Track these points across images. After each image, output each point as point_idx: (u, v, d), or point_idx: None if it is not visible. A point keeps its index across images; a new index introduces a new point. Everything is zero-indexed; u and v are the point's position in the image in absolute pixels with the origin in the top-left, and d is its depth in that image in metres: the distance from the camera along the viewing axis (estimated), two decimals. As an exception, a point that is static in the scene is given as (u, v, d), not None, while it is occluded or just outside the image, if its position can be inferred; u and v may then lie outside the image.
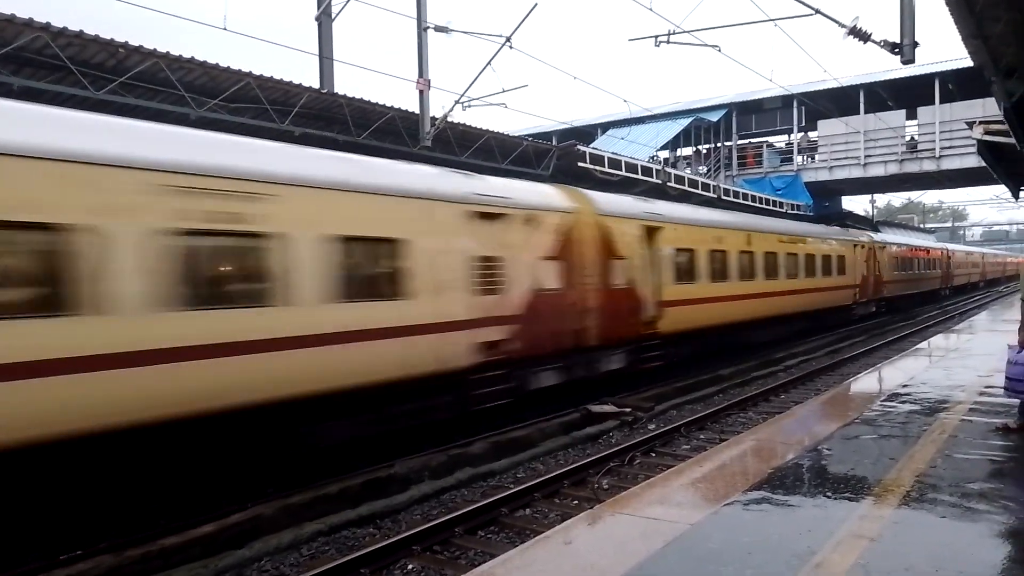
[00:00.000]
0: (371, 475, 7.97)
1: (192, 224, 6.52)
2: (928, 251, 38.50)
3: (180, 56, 10.26)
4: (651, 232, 13.64)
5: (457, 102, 15.39)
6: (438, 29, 14.33)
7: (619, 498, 5.11)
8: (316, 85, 13.52)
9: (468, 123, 15.77)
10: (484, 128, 16.01)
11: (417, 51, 14.59)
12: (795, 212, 28.62)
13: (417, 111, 14.21)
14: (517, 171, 16.16)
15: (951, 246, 49.15)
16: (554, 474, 8.30)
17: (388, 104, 13.82)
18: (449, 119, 14.91)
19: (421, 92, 14.21)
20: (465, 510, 7.07)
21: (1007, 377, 6.31)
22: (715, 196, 24.36)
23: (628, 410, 11.56)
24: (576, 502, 7.59)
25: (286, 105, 12.31)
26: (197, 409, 6.52)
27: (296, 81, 12.04)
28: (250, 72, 11.28)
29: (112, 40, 9.25)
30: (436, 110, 15.02)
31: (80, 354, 5.77)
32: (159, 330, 6.27)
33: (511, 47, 14.08)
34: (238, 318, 6.87)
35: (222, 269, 7.17)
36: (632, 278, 12.96)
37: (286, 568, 6.16)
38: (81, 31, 8.93)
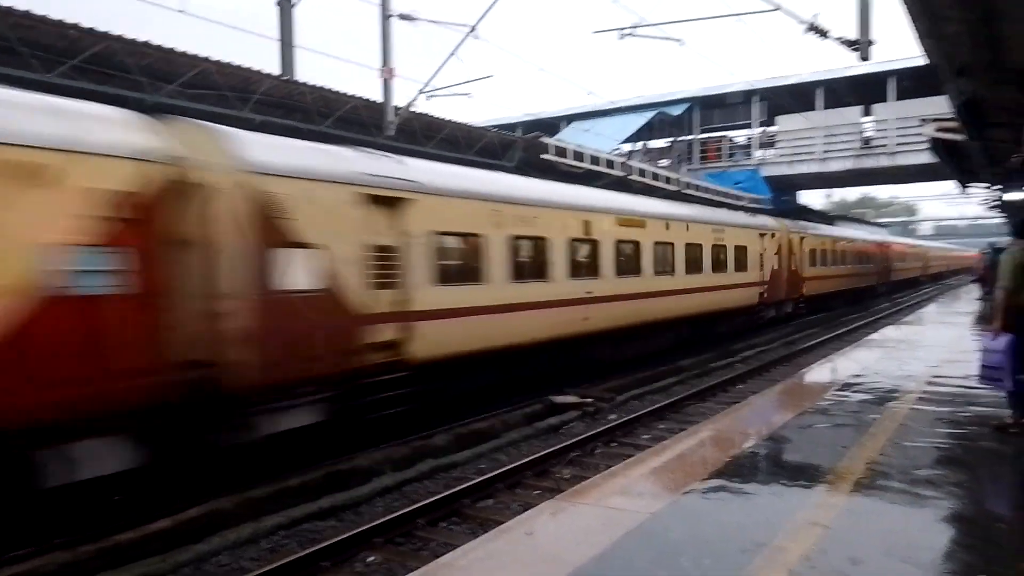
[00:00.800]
0: (333, 468, 7.92)
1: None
2: (862, 243, 34.31)
3: (135, 40, 9.97)
4: (388, 206, 9.03)
5: (421, 91, 15.26)
6: (403, 17, 14.18)
7: (580, 488, 5.15)
8: (277, 72, 13.28)
9: (433, 113, 15.67)
10: (449, 119, 15.92)
11: (381, 39, 14.41)
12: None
13: (381, 100, 14.07)
14: (482, 162, 16.12)
15: (891, 238, 45.20)
16: (516, 465, 8.33)
17: (352, 93, 13.64)
18: (413, 109, 14.78)
19: (385, 81, 14.07)
20: (427, 501, 7.07)
21: (983, 365, 6.37)
22: (676, 189, 24.65)
23: (590, 401, 11.66)
24: (538, 492, 7.64)
25: (246, 92, 12.06)
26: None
27: (257, 68, 11.81)
28: (208, 57, 11.02)
29: (62, 21, 8.95)
30: (401, 100, 14.89)
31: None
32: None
33: (476, 37, 14.01)
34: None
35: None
36: (336, 279, 8.20)
37: (246, 562, 6.09)
38: (29, 11, 8.62)
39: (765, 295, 21.51)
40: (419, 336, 9.20)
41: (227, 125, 8.75)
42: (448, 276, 9.89)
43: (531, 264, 11.79)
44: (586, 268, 13.12)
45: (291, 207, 7.71)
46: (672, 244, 16.18)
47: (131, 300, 6.23)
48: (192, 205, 6.80)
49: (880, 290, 37.41)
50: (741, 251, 19.96)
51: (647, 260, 15.10)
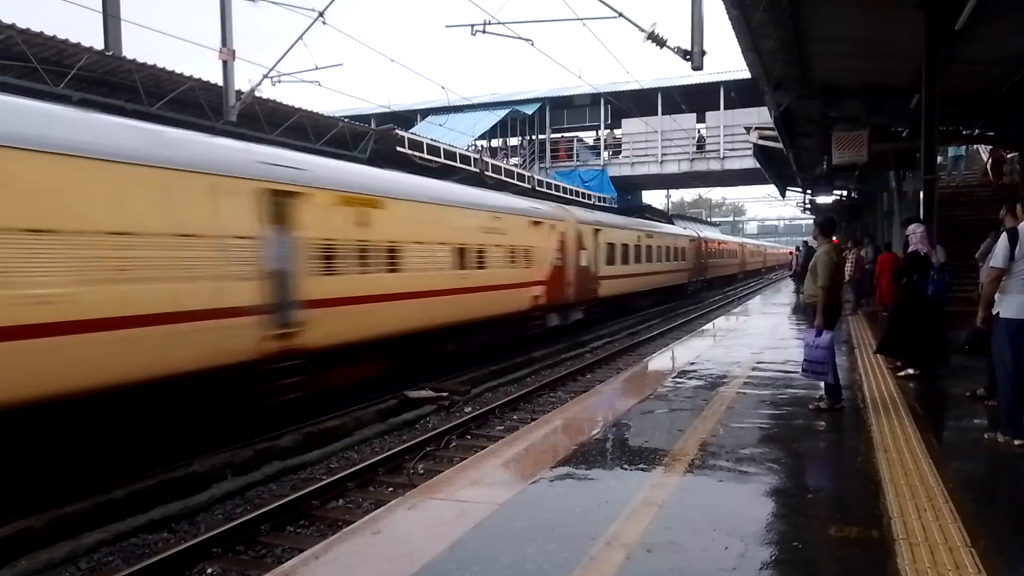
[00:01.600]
0: (166, 475, 7.34)
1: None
2: (672, 237, 31.17)
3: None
4: None
5: (266, 76, 14.54)
6: (244, -4, 13.39)
7: (432, 483, 5.12)
8: (100, 47, 12.09)
9: (278, 99, 14.96)
10: (296, 106, 15.28)
11: (220, 18, 13.53)
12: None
13: (221, 83, 13.23)
14: (333, 152, 15.61)
15: (707, 232, 42.10)
16: (368, 463, 8.16)
17: (187, 73, 12.71)
18: (257, 94, 14.03)
19: (225, 63, 13.24)
20: (272, 506, 6.74)
21: (807, 360, 6.88)
22: (530, 187, 25.26)
23: (445, 394, 11.67)
24: (391, 489, 7.53)
25: (61, 66, 10.89)
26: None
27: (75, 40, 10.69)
28: (13, 24, 9.82)
29: None
30: (244, 84, 14.08)
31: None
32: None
33: (324, 22, 13.53)
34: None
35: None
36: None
37: (60, 586, 5.50)
38: None
39: (545, 299, 17.00)
40: None
41: (39, 100, 7.83)
42: None
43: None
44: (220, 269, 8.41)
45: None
46: (396, 235, 11.42)
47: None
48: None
49: (692, 288, 35.04)
50: (510, 248, 15.50)
51: (349, 255, 10.34)
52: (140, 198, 7.47)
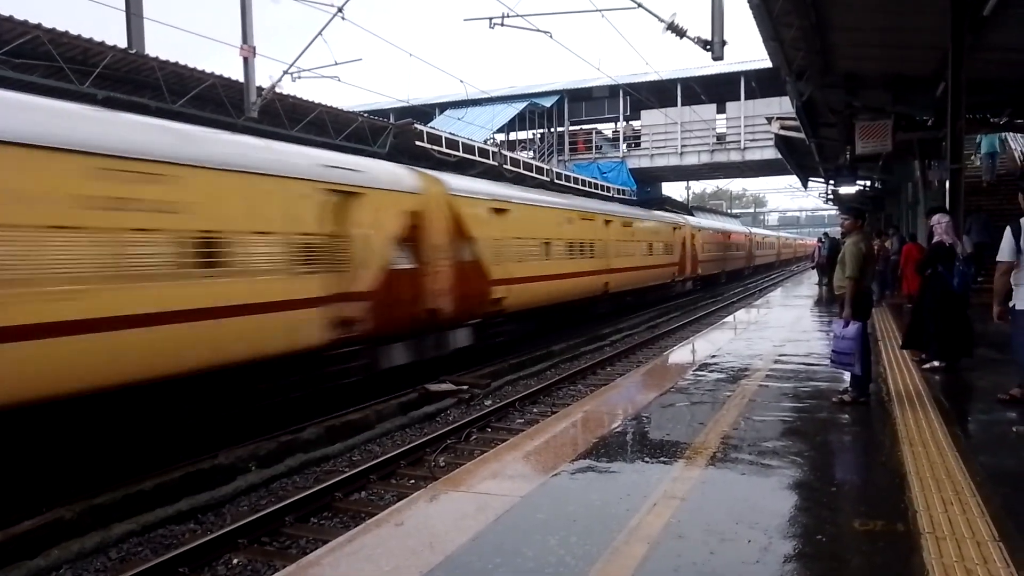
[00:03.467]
0: (192, 467, 7.46)
1: None
2: (644, 226, 24.64)
3: (-52, -1, 8.84)
4: None
5: (286, 72, 14.63)
6: (264, -7, 13.48)
7: (453, 475, 5.16)
8: (124, 45, 12.24)
9: (299, 95, 15.06)
10: (316, 101, 15.37)
11: (241, 15, 13.64)
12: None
13: (242, 80, 13.34)
14: (352, 148, 15.68)
15: (694, 220, 33.35)
16: (390, 455, 8.23)
17: (208, 71, 12.83)
18: (278, 90, 14.14)
19: (245, 59, 13.34)
20: (295, 498, 6.82)
21: (834, 351, 6.85)
22: (548, 180, 25.21)
23: (465, 388, 11.72)
24: (413, 482, 7.59)
25: (86, 64, 11.04)
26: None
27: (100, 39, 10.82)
28: (39, 24, 9.97)
29: None
30: (264, 80, 14.19)
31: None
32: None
33: (343, 18, 13.58)
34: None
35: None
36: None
37: (90, 574, 5.62)
38: None
39: (373, 317, 10.61)
40: None
41: (63, 99, 7.96)
42: None
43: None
44: None
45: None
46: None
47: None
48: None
49: (678, 289, 29.42)
50: (340, 243, 10.29)
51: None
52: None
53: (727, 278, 38.55)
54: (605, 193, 30.26)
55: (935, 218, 8.38)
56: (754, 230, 52.71)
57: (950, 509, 4.07)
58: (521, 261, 15.37)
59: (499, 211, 14.66)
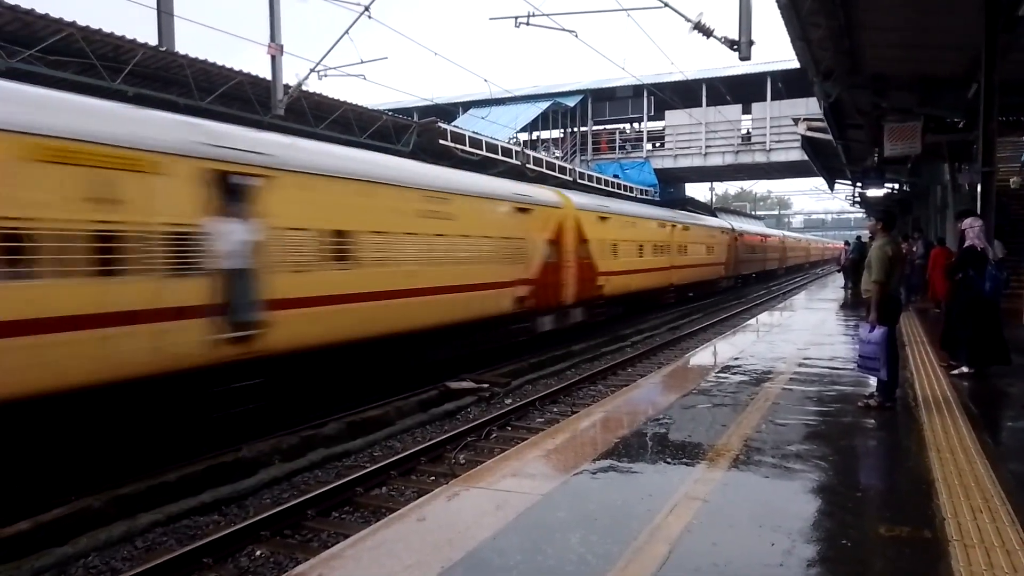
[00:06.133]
0: (215, 460, 7.56)
1: None
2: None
3: (-14, -2, 9.04)
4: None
5: (313, 70, 14.77)
6: (291, -9, 13.62)
7: (474, 472, 5.17)
8: (154, 43, 12.43)
9: (324, 93, 15.18)
10: (341, 100, 15.48)
11: (269, 13, 13.78)
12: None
13: (269, 78, 13.47)
14: (376, 145, 15.78)
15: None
16: (411, 451, 8.27)
17: (236, 68, 12.99)
18: (304, 88, 14.27)
19: (273, 57, 13.48)
20: (317, 492, 6.89)
21: (860, 355, 6.80)
22: (571, 180, 25.17)
23: (485, 386, 11.74)
24: (433, 478, 7.62)
25: (117, 62, 11.23)
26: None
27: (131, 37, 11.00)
28: (73, 22, 10.15)
29: None
30: (291, 79, 14.32)
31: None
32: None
33: (370, 17, 13.67)
34: None
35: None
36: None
37: (118, 563, 5.71)
38: None
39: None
40: None
41: (95, 96, 8.10)
42: None
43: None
44: None
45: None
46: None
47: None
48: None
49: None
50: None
51: None
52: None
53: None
54: (628, 193, 30.17)
55: (967, 222, 8.24)
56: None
57: (979, 517, 4.01)
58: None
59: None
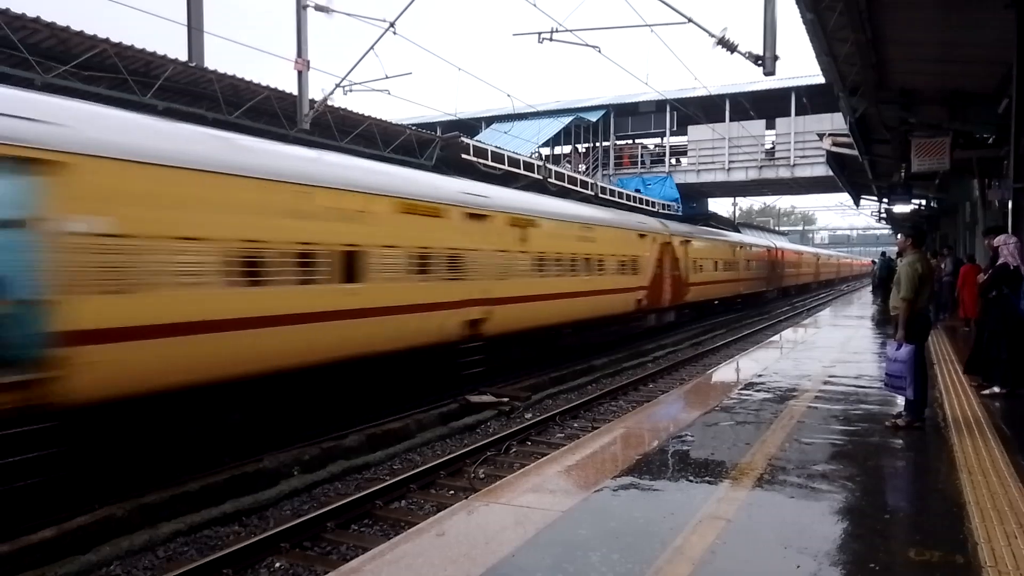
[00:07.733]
0: (237, 470, 7.60)
1: None
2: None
3: (23, 15, 9.28)
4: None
5: (338, 85, 14.94)
6: (318, 8, 13.82)
7: (494, 487, 5.14)
8: (184, 58, 12.67)
9: (349, 108, 15.36)
10: (366, 114, 15.65)
11: (296, 29, 14.00)
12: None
13: (295, 92, 13.66)
14: (400, 159, 15.91)
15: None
16: (430, 465, 8.25)
17: (263, 83, 13.20)
18: (329, 103, 14.45)
19: (300, 73, 13.67)
20: (337, 504, 6.88)
21: (887, 374, 6.69)
22: (593, 194, 25.15)
23: (506, 400, 11.69)
24: (452, 492, 7.59)
25: (148, 76, 11.46)
26: None
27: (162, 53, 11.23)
28: (107, 39, 10.39)
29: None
30: (316, 93, 14.51)
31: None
32: None
33: (395, 32, 13.82)
34: None
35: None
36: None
37: (139, 572, 5.75)
38: None
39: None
40: None
41: (126, 110, 8.26)
42: None
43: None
44: None
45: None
46: None
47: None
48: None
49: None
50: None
51: None
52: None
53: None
54: (650, 208, 30.10)
55: (1001, 238, 8.08)
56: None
57: (1014, 543, 3.89)
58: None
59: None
